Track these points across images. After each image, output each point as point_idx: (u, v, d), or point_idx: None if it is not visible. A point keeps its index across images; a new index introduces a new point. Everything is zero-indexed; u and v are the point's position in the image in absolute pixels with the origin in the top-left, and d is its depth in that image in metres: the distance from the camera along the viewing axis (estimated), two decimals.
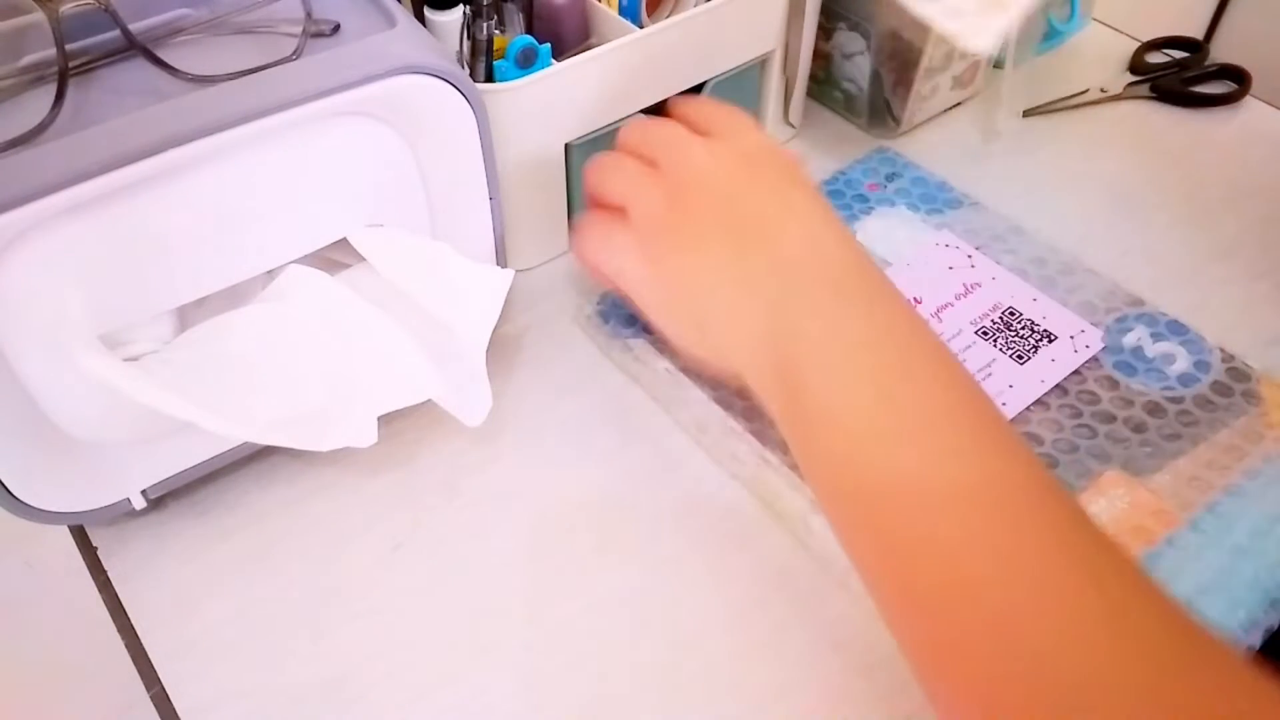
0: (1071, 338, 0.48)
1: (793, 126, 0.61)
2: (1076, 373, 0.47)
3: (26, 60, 0.36)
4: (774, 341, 0.37)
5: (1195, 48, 0.66)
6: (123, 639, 0.41)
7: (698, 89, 0.53)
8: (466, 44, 0.47)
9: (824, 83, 0.63)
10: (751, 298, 0.38)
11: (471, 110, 0.41)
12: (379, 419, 0.40)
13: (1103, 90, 0.64)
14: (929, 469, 0.33)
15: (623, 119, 0.51)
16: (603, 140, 0.50)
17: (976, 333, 0.48)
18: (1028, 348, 0.47)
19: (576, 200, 0.53)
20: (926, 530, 0.32)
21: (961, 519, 0.31)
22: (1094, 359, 0.47)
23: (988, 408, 0.34)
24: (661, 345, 0.48)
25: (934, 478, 0.32)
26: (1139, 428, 0.45)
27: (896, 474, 0.33)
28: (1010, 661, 0.29)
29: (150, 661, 0.40)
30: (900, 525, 0.33)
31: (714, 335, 0.40)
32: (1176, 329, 0.48)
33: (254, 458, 0.45)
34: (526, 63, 0.47)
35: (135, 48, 0.37)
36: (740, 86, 0.55)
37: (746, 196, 0.40)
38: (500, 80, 0.47)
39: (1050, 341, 0.48)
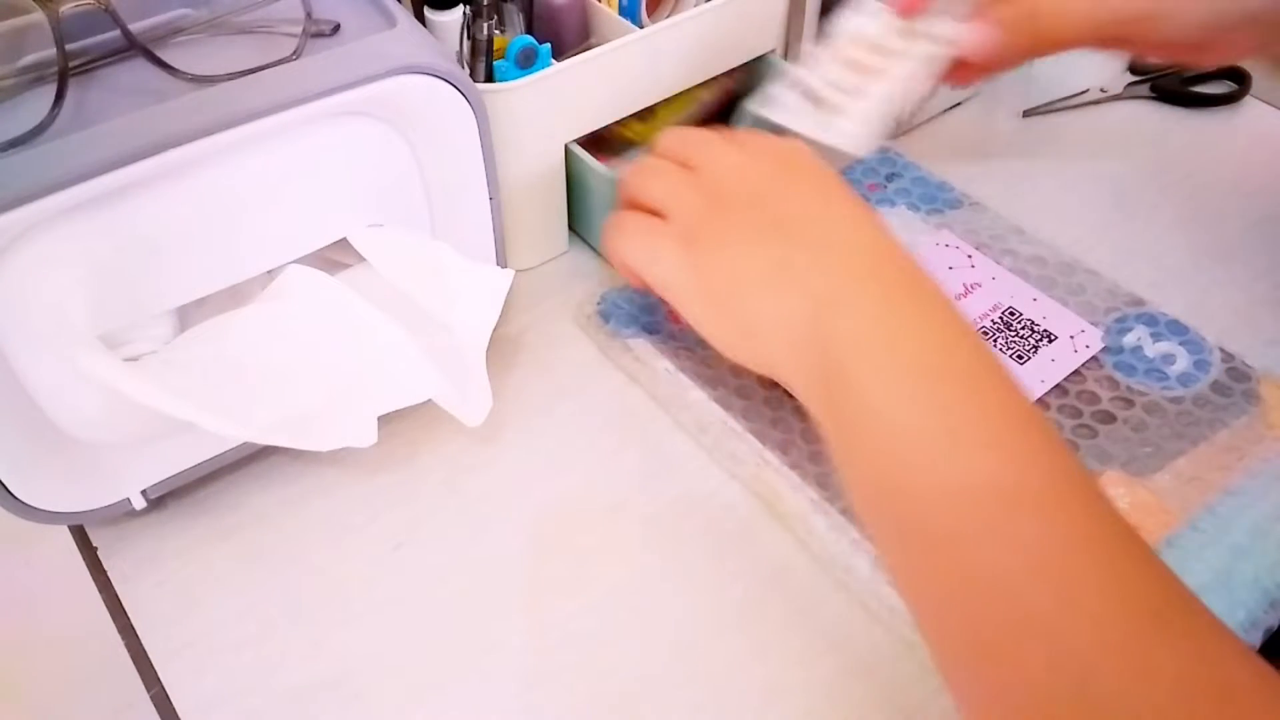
0: (1071, 338, 0.48)
1: None
2: (1076, 373, 0.47)
3: (26, 60, 0.36)
4: (818, 342, 0.36)
5: None
6: (123, 639, 0.41)
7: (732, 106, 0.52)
8: (466, 44, 0.48)
9: None
10: (795, 297, 0.37)
11: (471, 110, 0.41)
12: (379, 419, 0.40)
13: (1103, 90, 0.64)
14: (978, 475, 0.32)
15: (623, 119, 0.51)
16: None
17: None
18: (1028, 348, 0.47)
19: (577, 202, 0.53)
20: (978, 536, 0.31)
21: (1014, 525, 0.31)
22: (1094, 359, 0.47)
23: (1034, 412, 0.34)
24: (662, 345, 0.48)
25: (981, 483, 0.31)
26: (1139, 428, 0.45)
27: (941, 480, 0.32)
28: (1053, 673, 0.29)
29: (150, 661, 0.40)
30: (948, 532, 0.32)
31: (760, 340, 0.39)
32: (1176, 329, 0.48)
33: (254, 458, 0.45)
34: (526, 63, 0.47)
35: (135, 48, 0.37)
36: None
37: (785, 196, 0.40)
38: (500, 80, 0.47)
39: (1050, 341, 0.48)
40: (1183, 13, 0.44)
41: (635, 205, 0.44)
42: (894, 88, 0.42)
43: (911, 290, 0.36)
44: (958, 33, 0.43)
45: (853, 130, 0.43)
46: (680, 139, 0.44)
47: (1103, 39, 0.45)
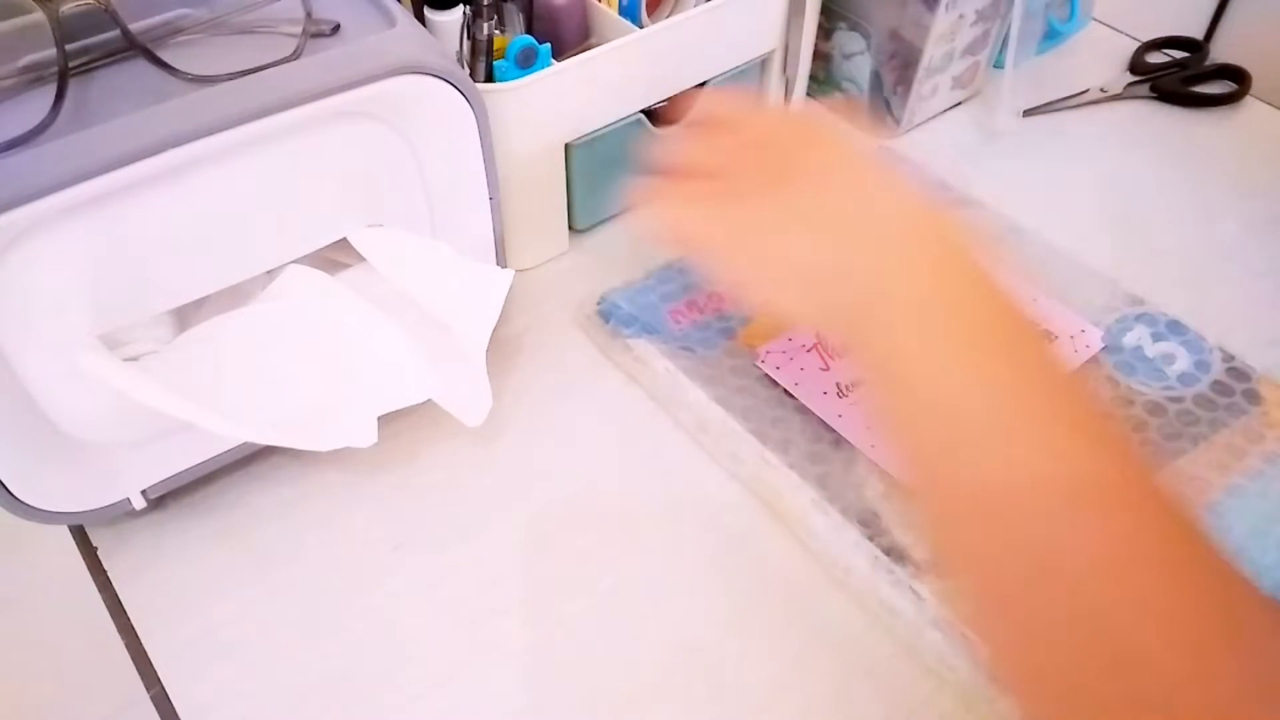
0: (1071, 338, 0.48)
1: None
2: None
3: (26, 60, 0.36)
4: (873, 299, 0.35)
5: (1195, 48, 0.66)
6: (123, 639, 0.41)
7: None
8: (466, 44, 0.48)
9: (824, 83, 0.63)
10: (853, 258, 0.36)
11: (471, 110, 0.41)
12: (379, 419, 0.40)
13: (1103, 90, 0.64)
14: (1031, 463, 0.31)
15: (623, 119, 0.51)
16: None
17: None
18: None
19: (577, 202, 0.53)
20: (1030, 529, 0.30)
21: (1072, 516, 0.30)
22: (1094, 359, 0.47)
23: (1088, 395, 0.33)
24: (662, 345, 0.48)
25: (1037, 470, 0.31)
26: (1139, 428, 0.45)
27: (992, 469, 0.32)
28: (1116, 669, 0.29)
29: (150, 661, 0.40)
30: (1003, 519, 0.31)
31: (819, 289, 0.38)
32: (1176, 329, 0.48)
33: (254, 458, 0.45)
34: (526, 63, 0.47)
35: (135, 48, 0.37)
36: (741, 86, 0.55)
37: (828, 150, 0.39)
38: (500, 80, 0.47)
39: (1050, 341, 0.48)
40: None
41: (678, 172, 0.42)
42: None
43: (964, 263, 0.36)
44: None
45: None
46: (717, 102, 0.43)
47: None
